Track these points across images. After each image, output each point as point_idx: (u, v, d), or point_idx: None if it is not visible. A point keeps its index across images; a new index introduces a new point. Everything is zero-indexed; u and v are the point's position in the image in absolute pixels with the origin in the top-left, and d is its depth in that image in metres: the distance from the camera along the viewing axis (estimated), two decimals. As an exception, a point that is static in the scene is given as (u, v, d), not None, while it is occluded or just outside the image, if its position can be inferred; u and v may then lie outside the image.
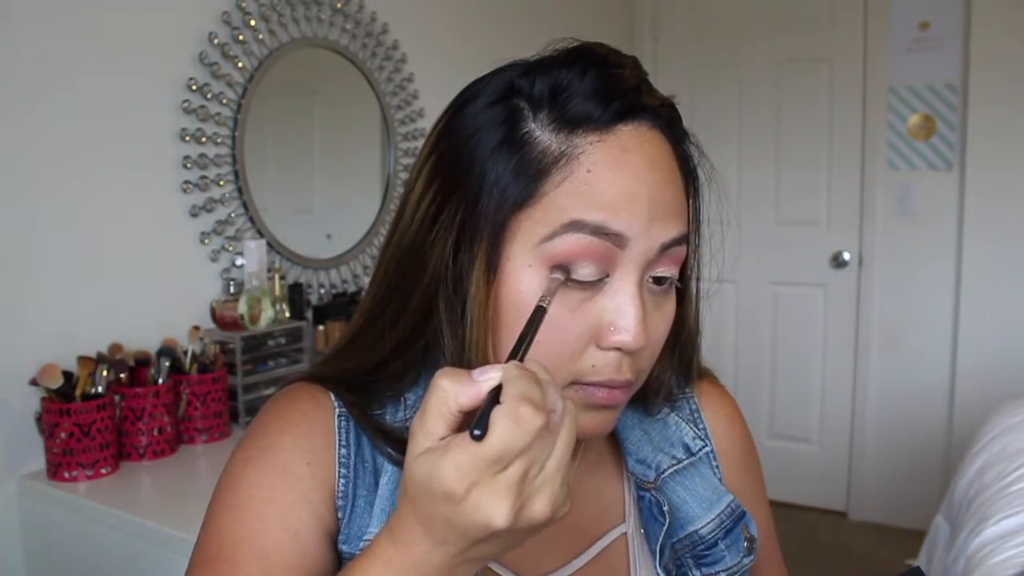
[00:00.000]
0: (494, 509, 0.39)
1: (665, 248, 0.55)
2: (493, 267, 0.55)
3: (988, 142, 2.79)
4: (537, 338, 0.52)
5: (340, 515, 0.57)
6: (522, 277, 0.54)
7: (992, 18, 2.74)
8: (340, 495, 0.57)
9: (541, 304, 0.50)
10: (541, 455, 0.41)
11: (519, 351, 0.46)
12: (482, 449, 0.39)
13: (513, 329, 0.55)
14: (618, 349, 0.54)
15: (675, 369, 0.68)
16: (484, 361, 0.56)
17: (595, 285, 0.54)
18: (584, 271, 0.53)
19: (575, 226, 0.53)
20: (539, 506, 0.41)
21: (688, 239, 0.59)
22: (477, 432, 0.39)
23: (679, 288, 0.62)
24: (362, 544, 0.56)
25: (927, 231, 2.95)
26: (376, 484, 0.59)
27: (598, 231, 0.53)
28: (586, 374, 0.55)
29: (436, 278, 0.57)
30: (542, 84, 0.55)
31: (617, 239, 0.53)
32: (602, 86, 0.55)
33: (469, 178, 0.56)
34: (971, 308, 2.87)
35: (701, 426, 0.71)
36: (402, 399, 0.62)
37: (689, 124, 0.61)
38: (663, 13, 3.38)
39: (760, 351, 3.28)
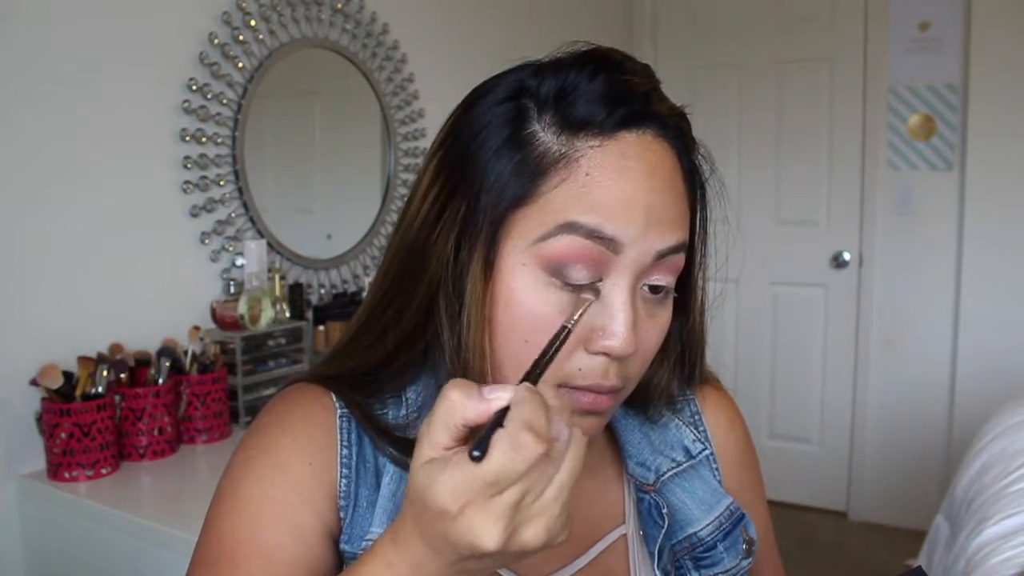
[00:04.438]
0: (484, 532, 0.39)
1: (661, 256, 0.55)
2: (490, 265, 0.55)
3: (988, 142, 2.79)
4: (526, 338, 0.54)
5: (342, 515, 0.57)
6: (515, 275, 0.54)
7: (992, 18, 2.74)
8: (342, 495, 0.58)
9: (566, 325, 0.49)
10: (539, 483, 0.41)
11: (534, 372, 0.45)
12: (479, 471, 0.39)
13: (506, 327, 0.55)
14: (606, 354, 0.54)
15: (678, 376, 0.67)
16: (481, 361, 0.56)
17: (587, 289, 0.54)
18: (576, 274, 0.53)
19: (570, 228, 0.53)
20: (531, 532, 0.41)
21: (689, 248, 0.58)
22: (476, 453, 0.39)
23: (682, 296, 0.62)
24: (364, 544, 0.56)
25: (927, 231, 2.95)
26: (378, 484, 0.59)
27: (592, 234, 0.52)
28: (573, 377, 0.55)
29: (438, 276, 0.57)
30: (550, 85, 0.55)
31: (611, 244, 0.53)
32: (609, 91, 0.54)
33: (473, 175, 0.56)
34: (971, 308, 2.87)
35: (701, 428, 0.71)
36: (403, 397, 0.62)
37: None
38: (663, 13, 3.37)
39: (760, 351, 3.28)
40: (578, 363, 0.54)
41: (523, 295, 0.54)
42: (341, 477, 0.58)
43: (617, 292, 0.54)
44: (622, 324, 0.53)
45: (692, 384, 0.70)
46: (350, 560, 0.56)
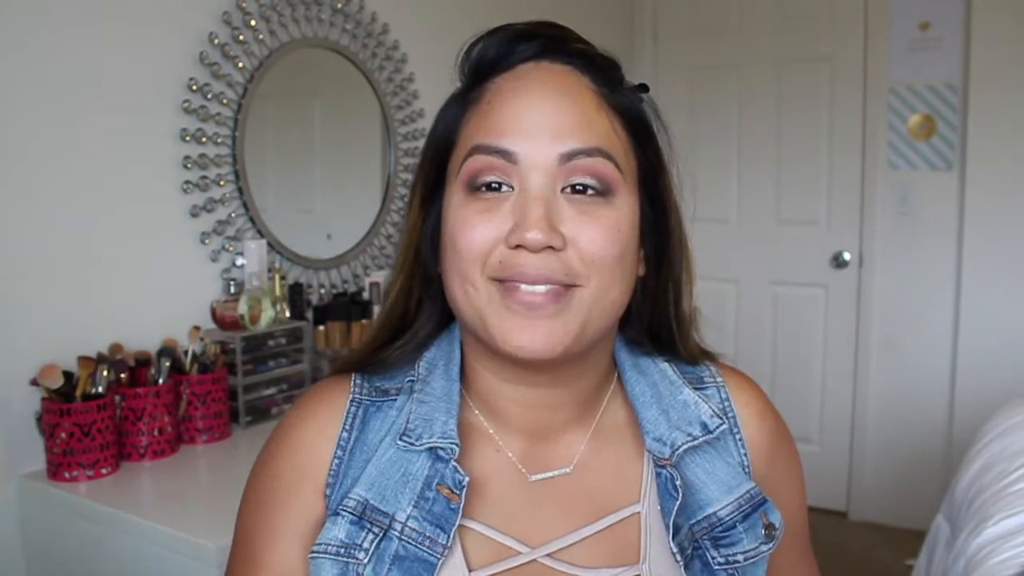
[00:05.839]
0: None
1: (569, 158, 0.59)
2: (428, 197, 0.66)
3: (988, 142, 2.79)
4: (453, 244, 0.61)
5: (328, 492, 0.64)
6: (452, 198, 0.62)
7: (992, 18, 2.73)
8: (331, 474, 0.64)
9: None
10: None
11: None
12: None
13: (443, 243, 0.63)
14: (522, 246, 0.58)
15: (653, 310, 0.70)
16: (448, 286, 0.64)
17: (501, 194, 0.60)
18: (488, 179, 0.60)
19: (475, 149, 0.60)
20: None
21: (605, 154, 0.61)
22: None
23: (659, 238, 0.67)
24: (345, 502, 0.61)
25: (927, 231, 2.95)
26: (368, 461, 0.64)
27: (490, 150, 0.60)
28: (496, 269, 0.59)
29: (415, 243, 0.67)
30: (466, 56, 0.65)
31: (507, 155, 0.59)
32: (510, 37, 0.63)
33: (426, 154, 0.67)
34: (971, 308, 2.87)
35: (730, 415, 0.70)
36: (416, 365, 0.68)
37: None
38: (663, 13, 3.37)
39: (760, 351, 3.28)
40: (499, 257, 0.59)
41: (450, 213, 0.62)
42: (334, 458, 0.64)
43: (526, 192, 0.59)
44: (528, 217, 0.57)
45: (672, 349, 0.71)
46: (317, 554, 0.61)
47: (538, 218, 0.57)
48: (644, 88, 0.67)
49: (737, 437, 0.70)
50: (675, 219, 0.68)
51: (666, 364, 0.70)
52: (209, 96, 1.74)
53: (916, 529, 2.51)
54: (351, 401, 0.66)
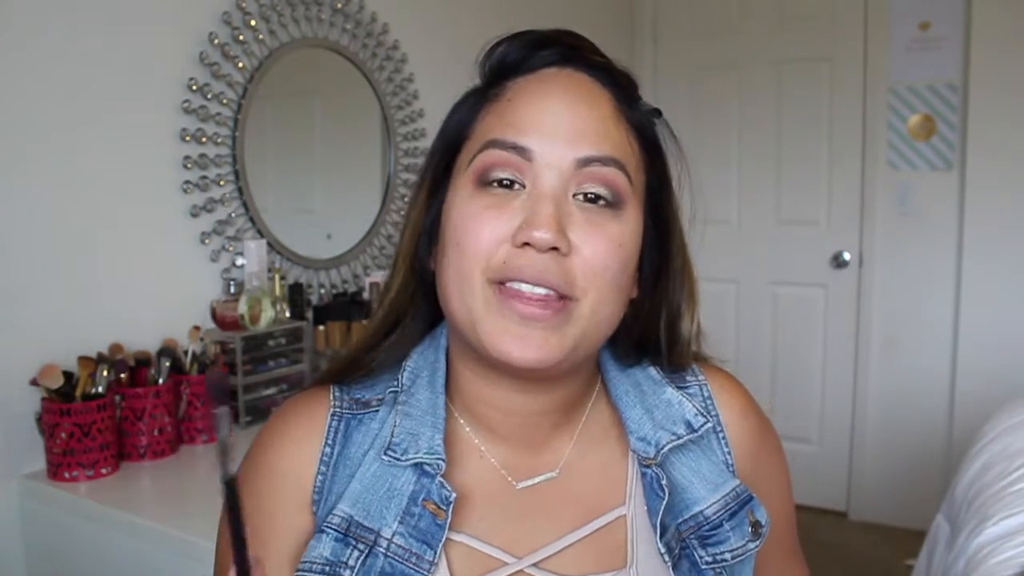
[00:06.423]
0: None
1: (584, 164, 0.59)
2: (433, 191, 0.65)
3: (988, 142, 2.79)
4: (457, 242, 0.59)
5: (315, 509, 0.62)
6: (455, 195, 0.62)
7: (992, 18, 2.74)
8: (316, 490, 0.63)
9: (224, 480, 0.44)
10: None
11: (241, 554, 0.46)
12: None
13: (444, 240, 0.61)
14: (529, 244, 0.57)
15: (644, 331, 0.69)
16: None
17: (512, 191, 0.59)
18: (501, 175, 0.59)
19: (491, 144, 0.60)
20: None
21: (620, 165, 0.61)
22: None
23: (662, 255, 0.66)
24: (329, 519, 0.60)
25: (927, 231, 2.95)
26: (353, 476, 0.63)
27: (506, 145, 0.59)
28: (497, 270, 0.58)
29: (415, 241, 0.66)
30: (488, 55, 0.65)
31: (524, 152, 0.59)
32: (533, 41, 0.64)
33: (437, 146, 0.67)
34: (971, 308, 2.87)
35: (714, 414, 0.70)
36: (400, 372, 0.67)
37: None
38: (663, 13, 3.37)
39: (760, 351, 3.28)
40: (503, 256, 0.58)
41: (455, 206, 0.61)
42: (318, 474, 0.63)
43: (538, 191, 0.59)
44: (539, 216, 0.57)
45: (674, 351, 0.70)
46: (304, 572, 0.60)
47: (548, 216, 0.57)
48: (658, 112, 0.67)
49: (720, 436, 0.70)
50: (678, 243, 0.68)
51: (649, 364, 0.70)
52: (209, 96, 1.74)
53: (916, 529, 2.51)
54: (332, 415, 0.65)
